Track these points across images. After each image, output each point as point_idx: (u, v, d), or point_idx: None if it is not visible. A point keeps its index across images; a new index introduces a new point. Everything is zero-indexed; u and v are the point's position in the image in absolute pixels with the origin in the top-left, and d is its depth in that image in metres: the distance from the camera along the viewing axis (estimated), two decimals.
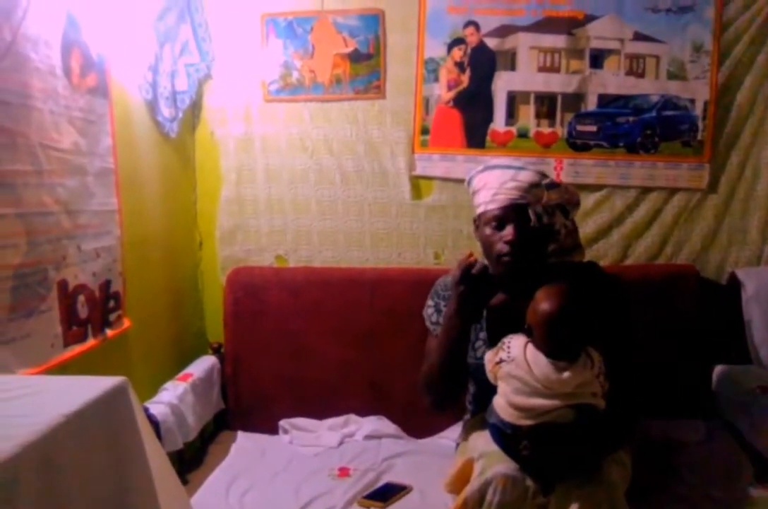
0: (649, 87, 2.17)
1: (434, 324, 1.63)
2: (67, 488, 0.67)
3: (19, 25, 1.31)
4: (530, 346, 1.39)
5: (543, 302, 1.38)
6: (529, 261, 1.50)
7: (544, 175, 1.54)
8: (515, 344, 1.41)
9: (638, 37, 2.16)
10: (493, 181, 1.51)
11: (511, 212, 1.48)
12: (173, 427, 1.73)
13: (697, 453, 1.79)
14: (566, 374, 1.33)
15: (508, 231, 1.47)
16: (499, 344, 1.45)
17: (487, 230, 1.51)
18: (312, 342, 2.11)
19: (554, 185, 1.52)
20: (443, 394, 1.59)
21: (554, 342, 1.36)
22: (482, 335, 1.56)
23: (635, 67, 2.17)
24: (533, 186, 1.48)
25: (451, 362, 1.52)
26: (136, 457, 0.77)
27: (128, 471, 0.76)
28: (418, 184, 2.26)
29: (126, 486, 0.77)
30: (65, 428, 0.64)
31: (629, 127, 2.19)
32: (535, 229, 1.47)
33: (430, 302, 1.67)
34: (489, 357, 1.44)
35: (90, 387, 0.72)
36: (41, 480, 0.62)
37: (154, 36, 1.95)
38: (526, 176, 1.49)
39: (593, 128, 2.20)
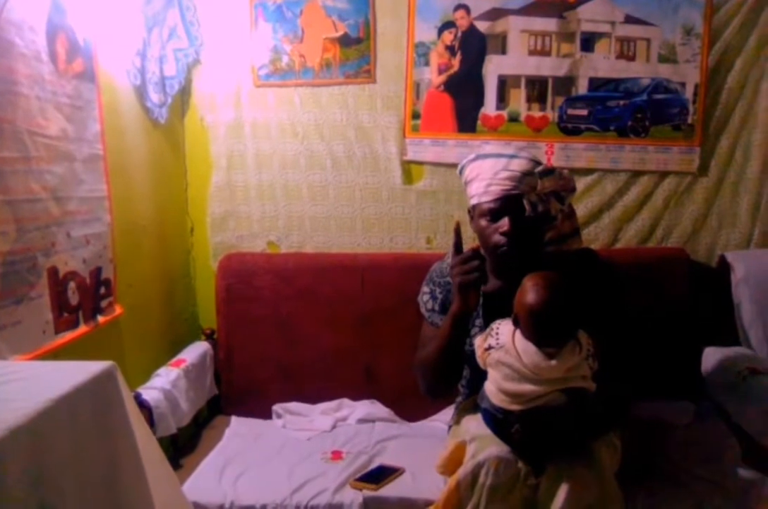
0: (640, 70, 2.17)
1: (429, 311, 1.64)
2: (57, 472, 0.67)
3: (2, 10, 1.29)
4: (518, 334, 1.39)
5: (527, 294, 1.36)
6: (526, 251, 1.49)
7: (537, 162, 1.51)
8: (503, 331, 1.41)
9: (629, 19, 2.15)
10: (486, 171, 1.49)
11: (506, 204, 1.46)
12: (166, 412, 1.74)
13: (686, 435, 1.81)
14: (555, 360, 1.33)
15: (504, 223, 1.46)
16: (488, 330, 1.45)
17: (483, 222, 1.50)
18: (304, 327, 2.12)
19: (548, 172, 1.50)
20: (439, 384, 1.60)
21: (541, 333, 1.36)
22: (478, 322, 1.57)
23: (626, 51, 2.17)
24: (526, 175, 1.47)
25: (452, 357, 1.53)
26: (126, 441, 0.78)
27: (118, 456, 0.77)
28: (409, 169, 2.26)
29: (116, 470, 0.77)
30: (53, 412, 0.64)
31: (620, 110, 2.19)
32: (531, 218, 1.46)
33: (425, 289, 1.66)
34: (478, 343, 1.45)
35: (78, 372, 0.72)
36: (30, 464, 0.63)
37: (141, 20, 1.93)
38: (519, 165, 1.47)
39: (584, 112, 2.20)
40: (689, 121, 2.17)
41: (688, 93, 2.16)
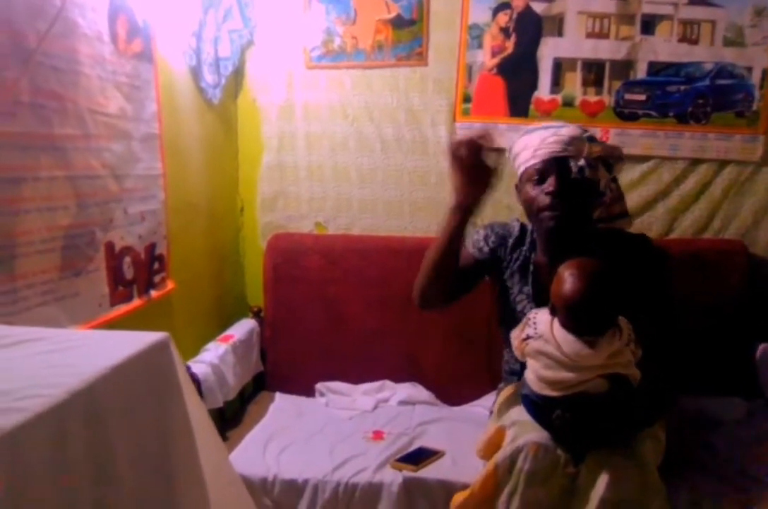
0: (703, 54, 2.09)
1: (472, 244, 1.64)
2: (112, 438, 0.70)
3: None
4: (556, 322, 1.37)
5: (564, 285, 1.34)
6: (573, 218, 1.47)
7: (585, 130, 1.52)
8: (541, 320, 1.40)
9: (693, 1, 2.06)
10: (535, 139, 1.50)
11: (552, 164, 1.46)
12: (214, 386, 1.80)
13: (736, 432, 1.76)
14: (595, 348, 1.32)
15: (549, 182, 1.46)
16: (524, 320, 1.44)
17: (528, 187, 1.50)
18: (349, 308, 2.14)
19: (596, 139, 1.50)
20: (429, 283, 1.58)
21: (579, 324, 1.34)
22: (526, 289, 1.57)
23: (689, 34, 2.09)
24: (574, 139, 1.46)
25: (444, 254, 1.53)
26: (178, 410, 0.81)
27: (169, 425, 0.80)
28: None
29: (167, 437, 0.80)
30: (109, 379, 0.67)
31: (680, 96, 2.12)
32: (577, 181, 1.44)
33: (481, 231, 1.65)
34: (515, 334, 1.43)
35: (134, 342, 0.75)
36: (87, 429, 0.66)
37: (198, 2, 1.95)
38: (567, 130, 1.48)
39: (642, 97, 2.13)
40: (754, 108, 2.08)
41: (755, 78, 2.06)
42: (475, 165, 1.45)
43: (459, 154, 1.45)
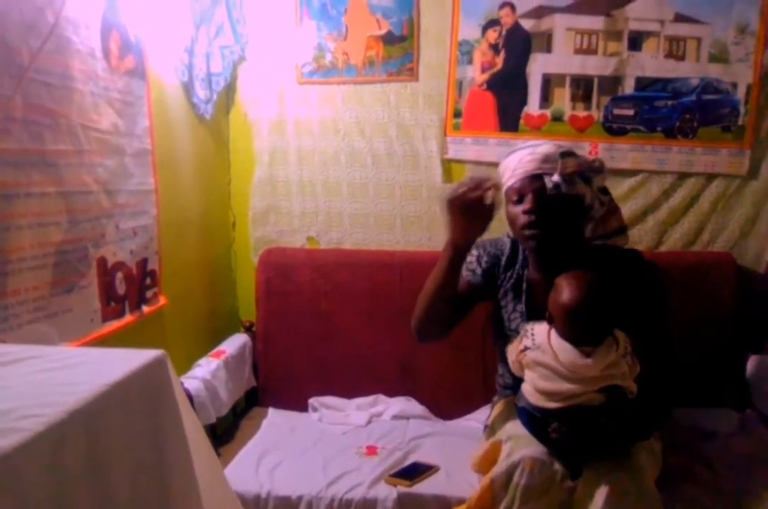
0: (689, 70, 2.12)
1: (467, 270, 1.64)
2: (109, 456, 0.69)
3: (62, 8, 1.33)
4: (554, 332, 1.39)
5: (562, 293, 1.37)
6: (555, 233, 1.49)
7: (561, 146, 1.54)
8: (539, 331, 1.41)
9: (679, 18, 2.10)
10: (513, 160, 1.54)
11: (528, 183, 1.49)
12: (206, 402, 1.78)
13: (729, 444, 1.77)
14: (592, 358, 1.33)
15: (527, 201, 1.48)
16: (522, 332, 1.45)
17: (510, 206, 1.53)
18: (342, 323, 2.14)
19: (569, 154, 1.52)
20: (426, 318, 1.59)
21: (576, 332, 1.35)
22: (519, 307, 1.58)
23: (675, 50, 2.12)
24: (548, 156, 1.49)
25: (440, 292, 1.54)
26: (174, 428, 0.80)
27: (166, 442, 0.79)
28: (449, 167, 2.26)
29: (163, 455, 0.79)
30: (107, 397, 0.67)
31: (667, 111, 2.15)
32: (555, 197, 1.46)
33: (473, 252, 1.65)
34: (512, 348, 1.44)
35: (130, 359, 0.75)
36: (85, 447, 0.65)
37: (190, 18, 1.97)
38: (542, 149, 1.51)
39: (630, 112, 2.16)
40: (740, 122, 2.11)
41: (740, 93, 2.10)
42: (475, 206, 1.46)
43: (462, 201, 1.45)
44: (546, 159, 1.48)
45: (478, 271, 1.64)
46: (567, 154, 1.50)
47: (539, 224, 1.47)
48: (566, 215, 1.49)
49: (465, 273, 1.64)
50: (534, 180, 1.48)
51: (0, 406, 0.61)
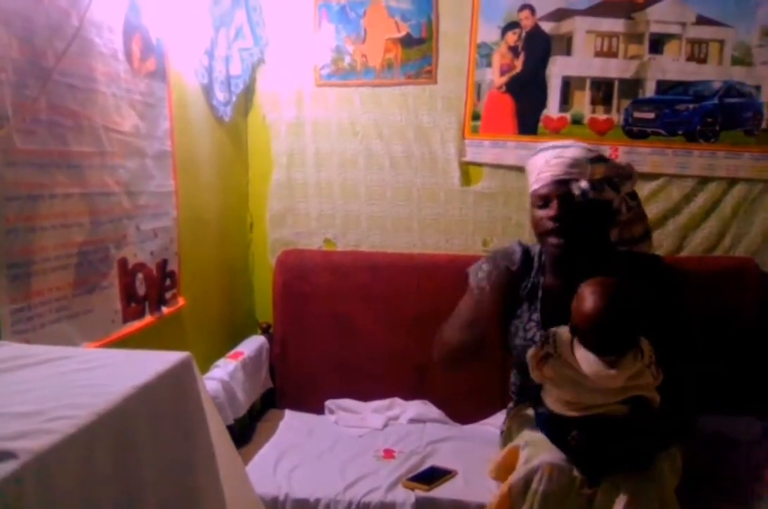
0: (712, 73, 2.10)
1: (477, 288, 1.59)
2: (138, 457, 0.69)
3: (86, 11, 1.34)
4: (576, 341, 1.36)
5: (585, 302, 1.33)
6: (580, 240, 1.46)
7: (590, 150, 1.50)
8: (561, 338, 1.39)
9: (701, 20, 2.08)
10: (539, 161, 1.50)
11: (554, 188, 1.46)
12: (224, 403, 1.78)
13: (753, 453, 1.74)
14: (616, 369, 1.30)
15: (552, 206, 1.46)
16: (542, 338, 1.43)
17: (535, 211, 1.50)
18: (359, 325, 2.13)
19: (600, 159, 1.48)
20: (458, 364, 1.58)
21: (601, 342, 1.32)
22: (535, 316, 1.55)
23: (697, 53, 2.10)
24: (577, 161, 1.45)
25: (475, 342, 1.51)
26: (200, 430, 0.80)
27: (192, 443, 0.79)
28: (467, 170, 2.25)
29: (190, 457, 0.80)
30: (136, 399, 0.67)
31: (689, 114, 2.13)
32: (581, 204, 1.43)
33: (484, 266, 1.61)
34: (532, 353, 1.41)
35: (157, 361, 0.75)
36: (114, 449, 0.65)
37: (209, 20, 1.97)
38: (571, 152, 1.47)
39: (651, 115, 2.14)
40: (763, 126, 2.09)
41: (764, 97, 2.08)
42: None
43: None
44: (574, 164, 1.45)
45: (487, 289, 1.58)
46: (596, 159, 1.47)
47: (564, 231, 1.45)
48: (592, 221, 1.47)
49: (476, 291, 1.61)
50: (560, 185, 1.45)
51: (30, 408, 0.62)
